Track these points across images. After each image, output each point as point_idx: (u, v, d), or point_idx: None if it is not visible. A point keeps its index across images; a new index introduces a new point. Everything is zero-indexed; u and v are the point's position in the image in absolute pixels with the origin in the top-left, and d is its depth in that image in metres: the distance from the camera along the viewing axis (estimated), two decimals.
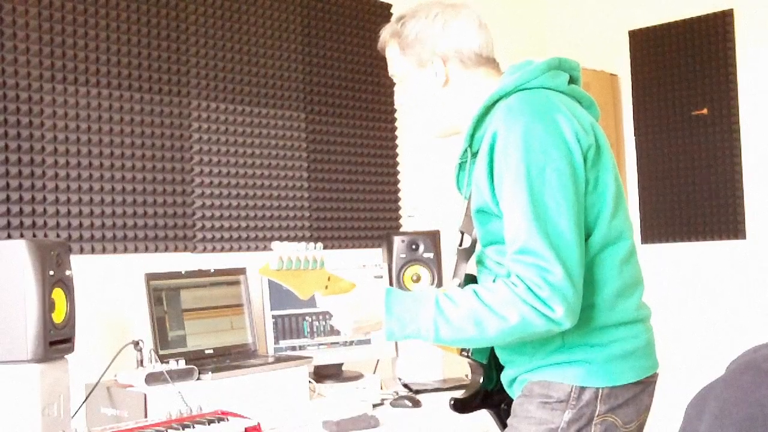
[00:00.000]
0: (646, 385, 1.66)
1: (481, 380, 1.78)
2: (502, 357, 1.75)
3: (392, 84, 3.41)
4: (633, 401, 1.63)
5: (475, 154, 1.69)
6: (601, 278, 1.59)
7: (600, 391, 1.59)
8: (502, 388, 1.79)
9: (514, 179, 1.51)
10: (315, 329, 2.77)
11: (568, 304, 1.48)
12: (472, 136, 1.68)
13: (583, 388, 1.59)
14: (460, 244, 1.79)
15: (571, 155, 1.53)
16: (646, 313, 1.69)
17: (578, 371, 1.59)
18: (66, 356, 1.98)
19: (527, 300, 1.48)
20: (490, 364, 1.78)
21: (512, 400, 1.76)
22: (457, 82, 1.73)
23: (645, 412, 1.68)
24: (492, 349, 1.78)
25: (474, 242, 1.73)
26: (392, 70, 1.80)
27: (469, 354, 1.75)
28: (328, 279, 1.61)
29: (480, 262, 1.74)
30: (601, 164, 1.60)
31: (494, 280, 1.64)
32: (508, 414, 1.77)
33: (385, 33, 1.79)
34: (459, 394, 1.81)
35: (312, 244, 1.57)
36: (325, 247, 3.13)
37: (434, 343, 1.59)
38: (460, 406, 1.79)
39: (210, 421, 1.97)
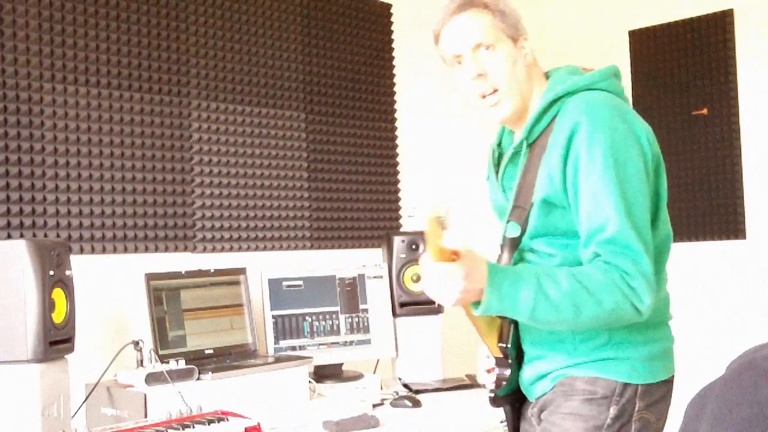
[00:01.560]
0: (671, 384, 1.71)
1: (509, 373, 1.76)
2: (534, 352, 1.72)
3: (392, 84, 3.42)
4: (663, 399, 1.68)
5: (529, 146, 1.70)
6: (656, 280, 1.62)
7: (638, 387, 1.63)
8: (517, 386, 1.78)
9: (602, 170, 1.55)
10: (315, 329, 2.77)
11: (653, 296, 1.54)
12: (532, 128, 1.69)
13: (626, 385, 1.62)
14: (504, 234, 1.76)
15: (645, 157, 1.61)
16: (672, 314, 1.76)
17: (623, 367, 1.63)
18: (66, 356, 1.98)
19: (621, 287, 1.52)
20: (514, 362, 1.76)
21: (523, 396, 1.76)
22: (533, 68, 1.76)
23: (668, 410, 1.72)
24: (519, 346, 1.76)
25: (522, 233, 1.70)
26: (477, 38, 1.71)
27: (507, 346, 1.73)
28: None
29: (518, 253, 1.73)
30: (661, 172, 1.68)
31: None
32: (519, 410, 1.78)
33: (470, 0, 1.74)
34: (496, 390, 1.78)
35: (450, 205, 1.54)
36: (325, 247, 3.16)
37: (525, 320, 1.57)
38: (499, 402, 1.78)
39: (210, 421, 1.97)
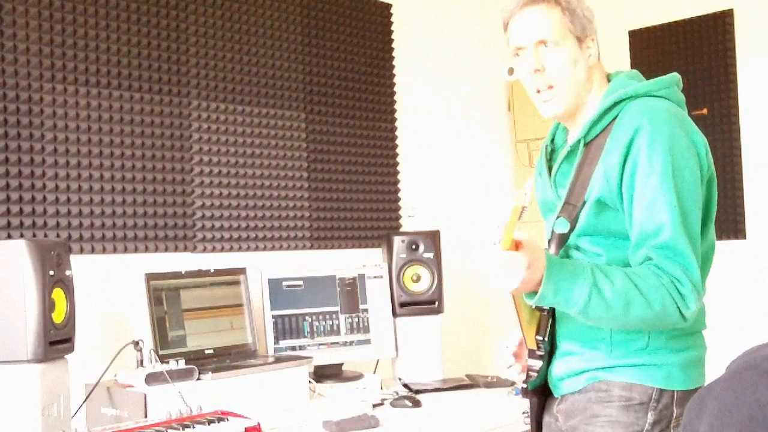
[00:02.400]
0: None
1: (540, 365, 1.75)
2: (568, 347, 1.72)
3: (392, 84, 3.41)
4: None
5: (585, 145, 1.71)
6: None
7: (675, 394, 1.63)
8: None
9: (661, 177, 1.57)
10: (315, 329, 2.77)
11: (699, 303, 1.58)
12: (591, 127, 1.69)
13: (662, 391, 1.63)
14: (553, 228, 1.75)
15: (702, 169, 1.64)
16: (706, 324, 1.77)
17: (660, 374, 1.63)
18: (66, 356, 1.99)
19: (671, 292, 1.54)
20: (546, 354, 1.75)
21: (548, 390, 1.75)
22: (595, 69, 1.76)
23: None
24: (553, 340, 1.75)
25: (571, 229, 1.70)
26: (543, 34, 1.71)
27: (544, 338, 1.73)
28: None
29: (564, 250, 1.73)
30: (713, 185, 1.69)
31: None
32: (544, 404, 1.77)
33: None
34: (527, 382, 1.77)
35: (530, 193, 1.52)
36: (325, 247, 3.16)
37: (576, 314, 1.57)
38: (529, 393, 1.78)
39: (210, 421, 1.97)
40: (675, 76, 1.75)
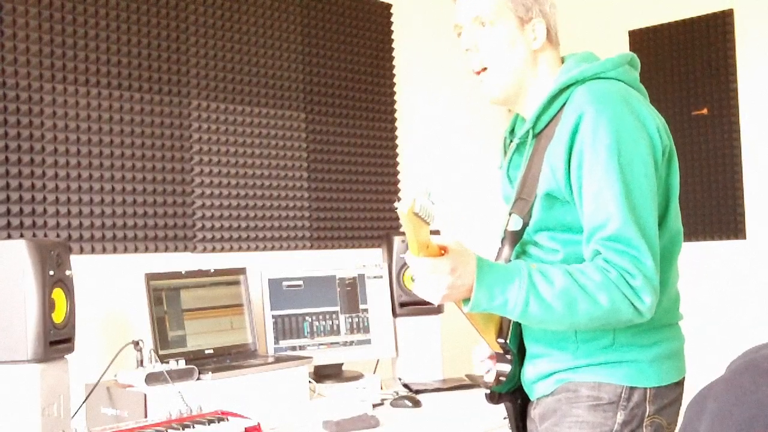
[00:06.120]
0: (682, 386, 1.65)
1: (510, 370, 1.69)
2: (536, 350, 1.65)
3: (392, 84, 3.41)
4: (675, 401, 1.62)
5: (535, 136, 1.64)
6: (665, 278, 1.57)
7: (648, 391, 1.57)
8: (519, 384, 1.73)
9: (606, 165, 1.48)
10: (315, 329, 2.77)
11: (655, 296, 1.47)
12: (538, 117, 1.62)
13: (633, 389, 1.56)
14: (506, 227, 1.68)
15: (655, 150, 1.54)
16: (682, 314, 1.69)
17: (628, 371, 1.57)
18: (66, 356, 1.99)
19: (620, 287, 1.45)
20: (515, 358, 1.69)
21: (525, 394, 1.70)
22: (543, 53, 1.67)
23: (679, 413, 1.66)
24: (521, 342, 1.69)
25: (524, 226, 1.63)
26: (478, 10, 1.64)
27: (506, 341, 1.66)
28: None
29: (521, 246, 1.67)
30: (673, 164, 1.61)
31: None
32: (524, 409, 1.72)
33: None
34: (495, 387, 1.72)
35: (434, 193, 1.44)
36: (325, 247, 3.16)
37: (517, 319, 1.50)
38: (497, 399, 1.72)
39: (210, 421, 1.97)
40: (626, 55, 1.65)
